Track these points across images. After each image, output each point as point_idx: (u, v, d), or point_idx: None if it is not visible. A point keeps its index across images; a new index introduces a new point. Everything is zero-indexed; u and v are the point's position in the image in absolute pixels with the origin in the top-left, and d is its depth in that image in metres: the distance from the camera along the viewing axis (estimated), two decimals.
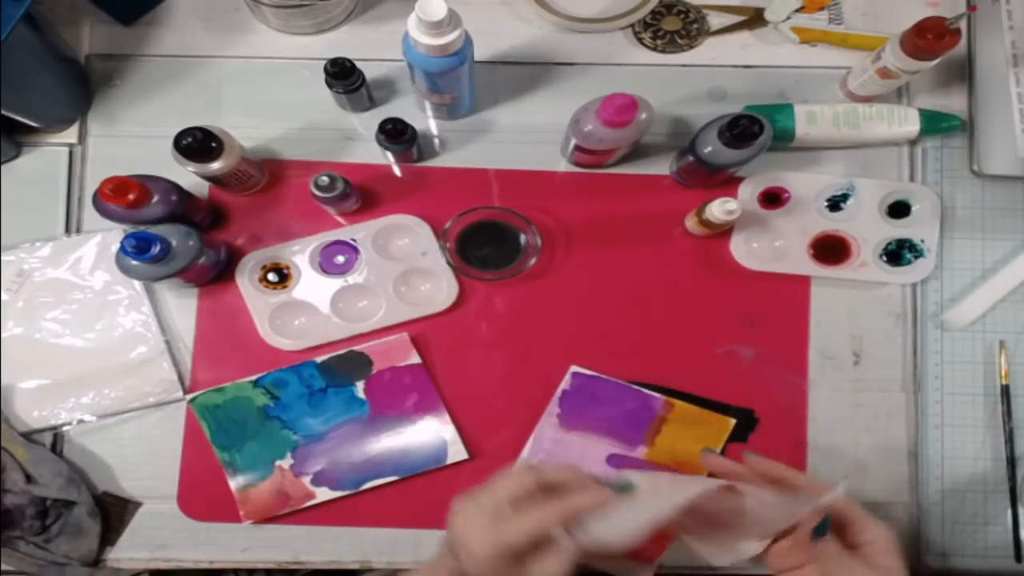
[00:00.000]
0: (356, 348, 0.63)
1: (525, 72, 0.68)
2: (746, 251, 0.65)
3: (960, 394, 0.64)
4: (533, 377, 0.64)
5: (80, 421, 0.63)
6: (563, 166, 0.67)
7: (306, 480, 0.62)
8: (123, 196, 0.54)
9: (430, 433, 0.63)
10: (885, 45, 0.60)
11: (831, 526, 0.47)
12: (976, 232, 0.66)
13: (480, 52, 0.60)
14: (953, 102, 0.67)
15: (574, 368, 0.63)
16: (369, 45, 0.67)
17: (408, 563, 0.63)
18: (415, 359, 0.63)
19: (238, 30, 0.68)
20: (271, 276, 0.65)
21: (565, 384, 0.63)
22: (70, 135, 0.66)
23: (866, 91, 0.65)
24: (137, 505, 0.63)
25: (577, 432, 0.62)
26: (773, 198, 0.66)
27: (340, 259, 0.65)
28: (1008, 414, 0.63)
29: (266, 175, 0.66)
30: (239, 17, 0.68)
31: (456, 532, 0.46)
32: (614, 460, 0.62)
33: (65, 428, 0.63)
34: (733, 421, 0.61)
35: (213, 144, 0.56)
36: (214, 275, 0.64)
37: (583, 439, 0.62)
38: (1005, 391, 0.64)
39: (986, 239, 0.66)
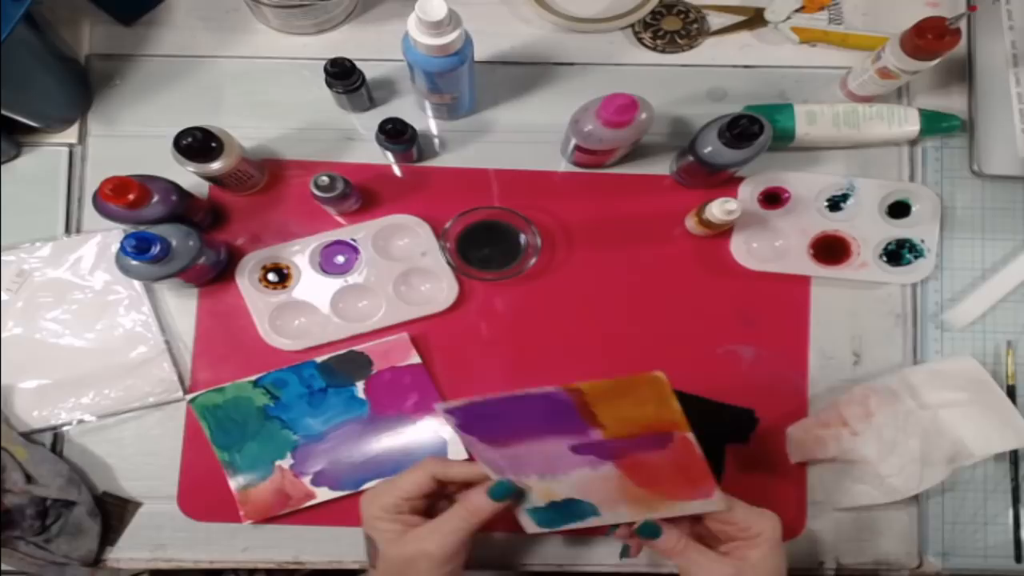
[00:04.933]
0: (356, 348, 0.63)
1: (525, 72, 0.68)
2: (746, 251, 0.65)
3: None
4: (533, 377, 0.64)
5: (80, 421, 0.63)
6: (563, 166, 0.67)
7: (306, 480, 0.62)
8: (123, 196, 0.54)
9: (430, 433, 0.63)
10: (885, 45, 0.60)
11: (660, 530, 0.50)
12: (976, 232, 0.66)
13: (480, 52, 0.60)
14: (953, 102, 0.67)
15: (440, 406, 0.50)
16: (369, 45, 0.67)
17: None
18: (415, 359, 0.63)
19: (238, 30, 0.68)
20: (271, 276, 0.65)
21: (450, 426, 0.53)
22: (70, 135, 0.66)
23: (866, 91, 0.65)
24: (137, 505, 0.63)
25: (513, 446, 0.52)
26: (773, 198, 0.66)
27: (340, 259, 0.65)
28: None
29: (266, 175, 0.66)
30: (239, 17, 0.68)
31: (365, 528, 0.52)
32: (581, 449, 0.52)
33: (65, 428, 0.63)
34: (659, 374, 0.47)
35: (213, 144, 0.56)
36: (214, 275, 0.64)
37: (528, 445, 0.52)
38: (1011, 391, 0.64)
39: (986, 239, 0.66)
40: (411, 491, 0.51)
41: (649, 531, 0.51)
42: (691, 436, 0.48)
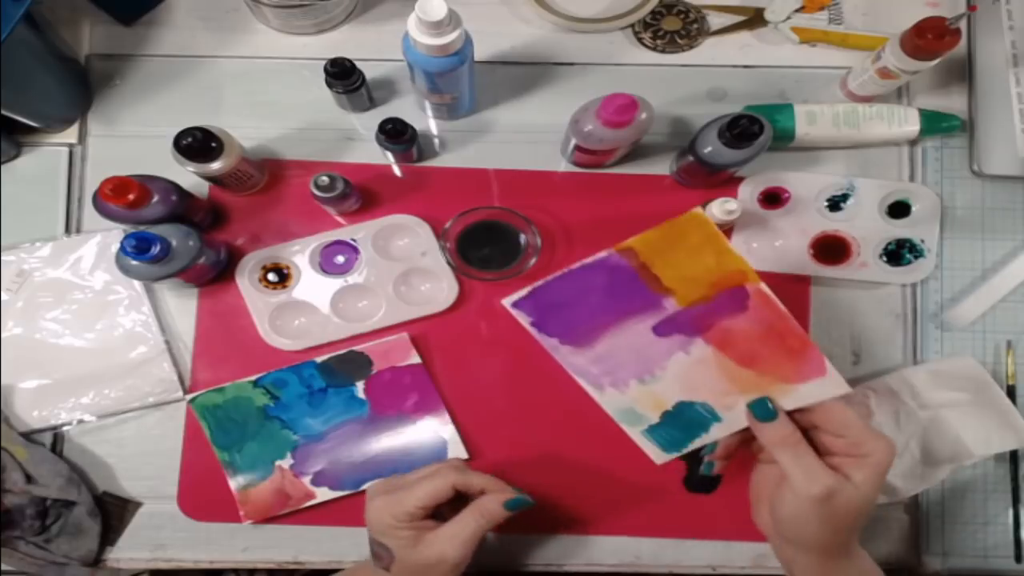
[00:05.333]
0: (356, 348, 0.63)
1: (525, 72, 0.68)
2: (746, 251, 0.65)
3: None
4: (533, 377, 0.64)
5: (80, 421, 0.63)
6: (563, 166, 0.67)
7: (306, 480, 0.62)
8: (123, 196, 0.54)
9: (430, 433, 0.63)
10: (885, 45, 0.60)
11: (776, 414, 0.48)
12: (976, 232, 0.66)
13: (480, 52, 0.60)
14: (953, 102, 0.67)
15: (507, 301, 0.52)
16: (369, 45, 0.67)
17: None
18: (415, 359, 0.63)
19: (238, 30, 0.68)
20: (271, 276, 0.65)
21: (527, 326, 0.54)
22: (70, 135, 0.66)
23: (866, 91, 0.65)
24: (137, 505, 0.63)
25: (597, 343, 0.52)
26: (773, 198, 0.66)
27: (340, 259, 0.65)
28: None
29: (266, 175, 0.66)
30: (239, 17, 0.68)
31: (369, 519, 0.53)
32: (661, 328, 0.51)
33: (65, 428, 0.63)
34: (697, 210, 0.47)
35: (213, 144, 0.56)
36: (214, 275, 0.64)
37: (613, 339, 0.51)
38: (1011, 391, 0.64)
39: (986, 239, 0.66)
40: (428, 500, 0.51)
41: (764, 411, 0.48)
42: (764, 287, 0.47)
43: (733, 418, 0.51)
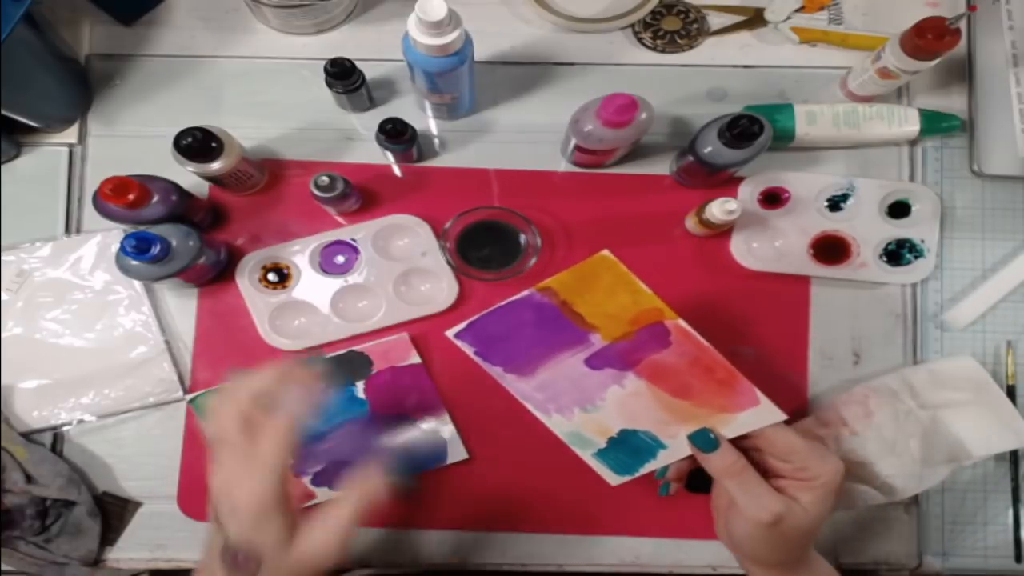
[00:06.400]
0: (356, 348, 0.63)
1: (525, 72, 0.68)
2: (746, 251, 0.65)
3: None
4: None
5: (80, 421, 0.63)
6: (563, 166, 0.67)
7: (306, 480, 0.62)
8: (123, 196, 0.54)
9: (430, 433, 0.63)
10: (885, 45, 0.60)
11: (718, 443, 0.49)
12: (976, 232, 0.66)
13: (480, 52, 0.60)
14: (953, 102, 0.67)
15: (450, 332, 0.54)
16: (369, 45, 0.67)
17: (406, 563, 0.63)
18: (415, 359, 0.63)
19: (238, 30, 0.68)
20: (271, 276, 0.65)
21: (471, 355, 0.55)
22: (70, 135, 0.66)
23: (866, 91, 0.65)
24: (137, 505, 0.63)
25: (537, 373, 0.54)
26: (773, 198, 0.66)
27: (340, 259, 0.65)
28: None
29: (266, 175, 0.66)
30: (239, 17, 0.68)
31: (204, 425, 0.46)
32: (593, 362, 0.53)
33: (65, 428, 0.63)
34: (604, 252, 0.48)
35: (213, 144, 0.56)
36: (214, 275, 0.64)
37: (551, 370, 0.53)
38: (1011, 391, 0.64)
39: (986, 239, 0.66)
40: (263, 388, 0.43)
41: (705, 441, 0.49)
42: (683, 323, 0.48)
43: (678, 445, 0.52)
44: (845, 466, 0.48)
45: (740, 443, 0.50)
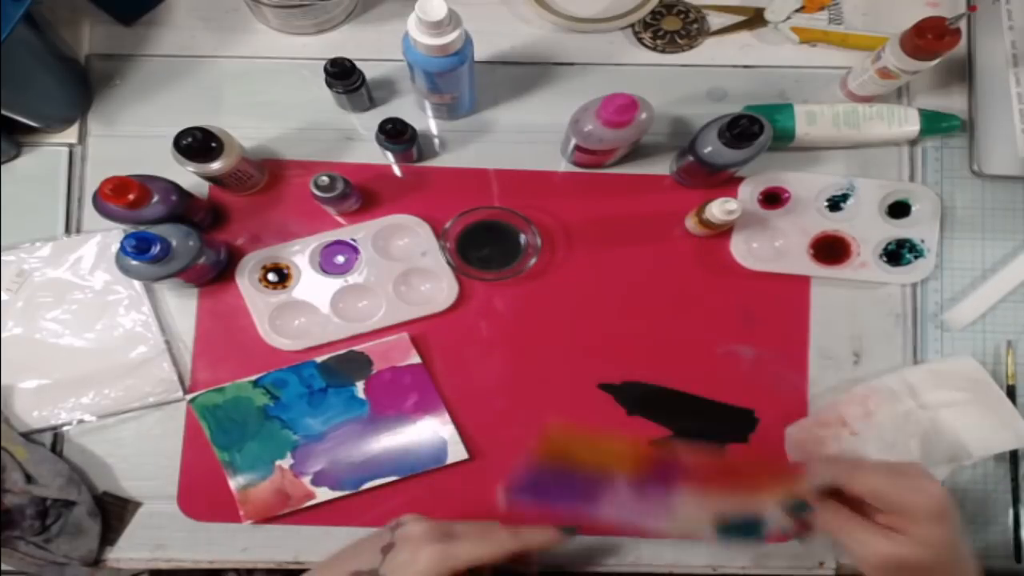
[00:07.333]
0: (356, 348, 0.63)
1: (525, 72, 0.68)
2: (746, 251, 0.65)
3: None
4: (533, 377, 0.64)
5: (80, 421, 0.63)
6: (563, 166, 0.67)
7: (306, 480, 0.62)
8: (123, 196, 0.54)
9: (430, 433, 0.63)
10: (885, 45, 0.60)
11: (809, 506, 0.47)
12: (976, 232, 0.66)
13: (480, 52, 0.60)
14: (953, 102, 0.67)
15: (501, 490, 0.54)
16: (369, 45, 0.67)
17: None
18: (415, 359, 0.63)
19: (238, 30, 0.68)
20: (271, 276, 0.65)
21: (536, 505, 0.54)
22: (70, 135, 0.66)
23: (866, 91, 0.65)
24: (137, 505, 0.63)
25: (605, 505, 0.53)
26: (773, 198, 0.66)
27: (340, 259, 0.65)
28: None
29: (266, 175, 0.66)
30: (239, 17, 0.68)
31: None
32: (646, 494, 0.52)
33: (65, 428, 0.63)
34: (549, 425, 0.51)
35: (213, 144, 0.56)
36: (214, 275, 0.64)
37: (614, 504, 0.52)
38: (1011, 391, 0.64)
39: (986, 239, 0.66)
40: (480, 562, 0.48)
41: (798, 507, 0.47)
42: (679, 447, 0.48)
43: (772, 515, 0.49)
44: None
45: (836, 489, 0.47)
